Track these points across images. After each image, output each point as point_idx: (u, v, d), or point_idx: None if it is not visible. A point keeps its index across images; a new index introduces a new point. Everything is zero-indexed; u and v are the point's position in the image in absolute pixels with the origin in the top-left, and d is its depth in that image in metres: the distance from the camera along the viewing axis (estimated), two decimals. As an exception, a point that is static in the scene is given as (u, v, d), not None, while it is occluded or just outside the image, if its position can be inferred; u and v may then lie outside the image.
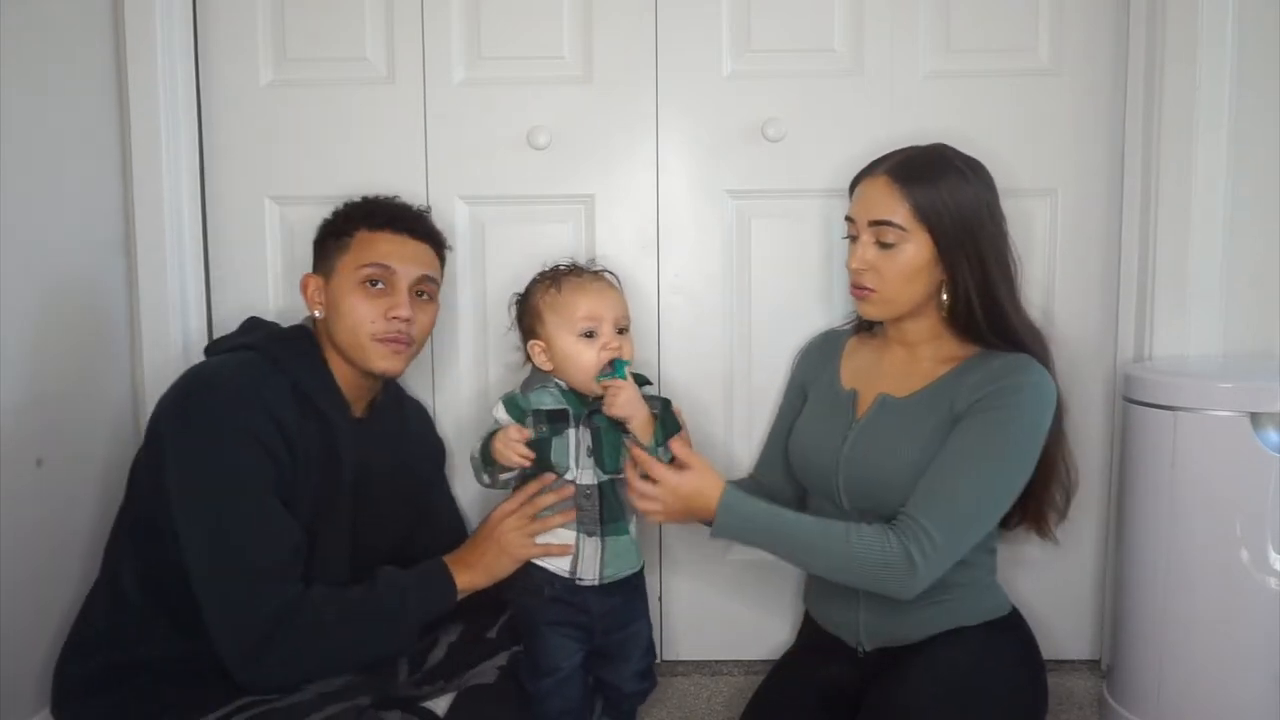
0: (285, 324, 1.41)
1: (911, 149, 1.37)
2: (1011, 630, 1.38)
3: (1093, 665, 1.73)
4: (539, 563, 1.35)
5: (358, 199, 1.41)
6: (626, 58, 1.65)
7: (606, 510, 1.33)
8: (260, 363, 1.28)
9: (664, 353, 1.70)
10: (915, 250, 1.31)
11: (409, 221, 1.38)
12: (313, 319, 1.38)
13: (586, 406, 1.33)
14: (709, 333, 1.70)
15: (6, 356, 1.35)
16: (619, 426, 1.32)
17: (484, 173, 1.67)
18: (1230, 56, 1.54)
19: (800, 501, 1.53)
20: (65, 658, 1.28)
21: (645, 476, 1.28)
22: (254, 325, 1.40)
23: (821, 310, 1.66)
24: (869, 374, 1.43)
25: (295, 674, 1.21)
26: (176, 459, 1.20)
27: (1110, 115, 1.64)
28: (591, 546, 1.33)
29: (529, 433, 1.31)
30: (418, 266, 1.36)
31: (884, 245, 1.32)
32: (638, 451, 1.29)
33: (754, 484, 1.57)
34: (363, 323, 1.32)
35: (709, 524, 1.29)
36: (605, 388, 1.30)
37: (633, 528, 1.38)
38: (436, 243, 1.42)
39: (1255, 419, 1.34)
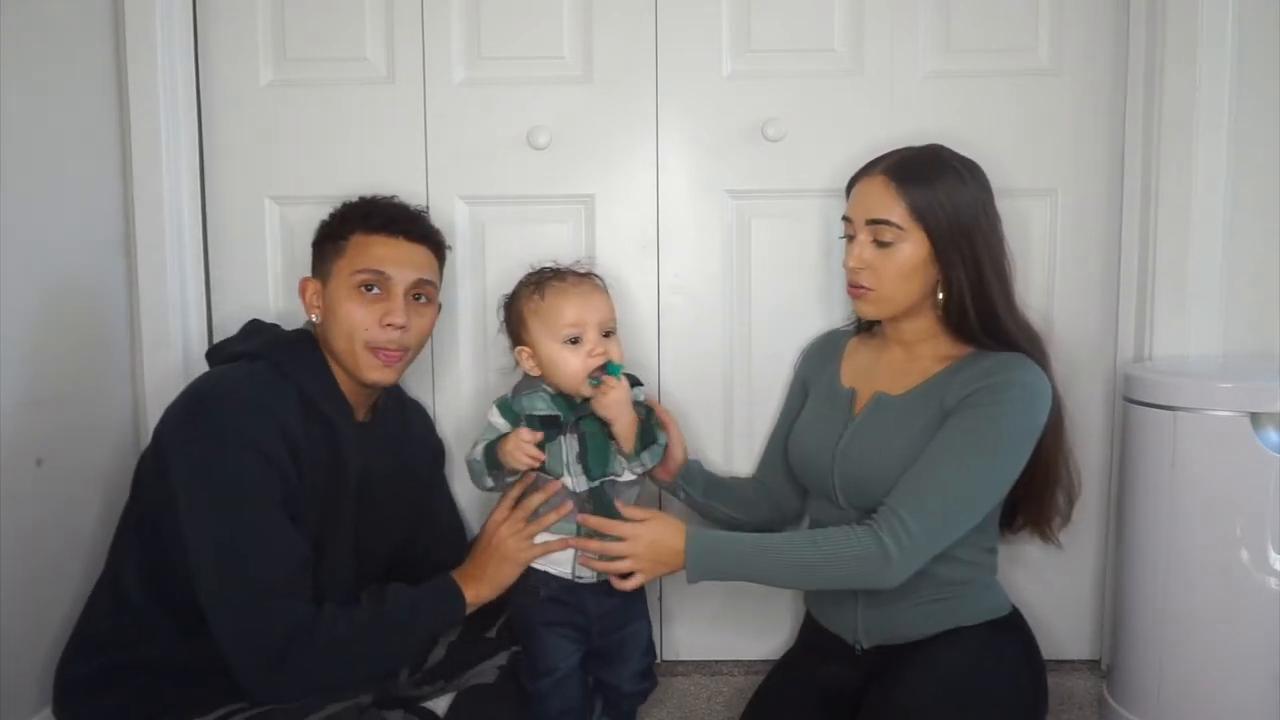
0: (287, 326, 1.40)
1: (908, 149, 1.38)
2: (1012, 630, 1.38)
3: (1093, 665, 1.73)
4: (538, 564, 1.35)
5: (355, 199, 1.40)
6: (626, 58, 1.65)
7: (601, 513, 1.33)
8: (266, 371, 1.27)
9: (664, 353, 1.70)
10: (912, 249, 1.32)
11: (405, 224, 1.36)
12: (314, 326, 1.37)
13: (575, 412, 1.32)
14: (709, 333, 1.70)
15: (6, 357, 1.35)
16: (604, 431, 1.32)
17: (484, 173, 1.67)
18: (1230, 56, 1.54)
19: (802, 505, 1.54)
20: (67, 657, 1.28)
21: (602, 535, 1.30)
22: (256, 329, 1.39)
23: (821, 310, 1.66)
24: (867, 373, 1.44)
25: (308, 689, 1.20)
26: (183, 472, 1.20)
27: (1110, 115, 1.64)
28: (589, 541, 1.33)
29: (540, 434, 1.30)
30: (414, 270, 1.34)
31: (881, 244, 1.32)
32: (592, 519, 1.31)
33: (758, 485, 1.57)
34: (357, 329, 1.30)
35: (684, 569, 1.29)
36: (600, 385, 1.30)
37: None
38: (434, 244, 1.40)
39: (1255, 419, 1.34)
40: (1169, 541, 1.40)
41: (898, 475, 1.29)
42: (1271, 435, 1.34)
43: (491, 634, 1.43)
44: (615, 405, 1.30)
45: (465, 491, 1.65)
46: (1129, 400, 1.48)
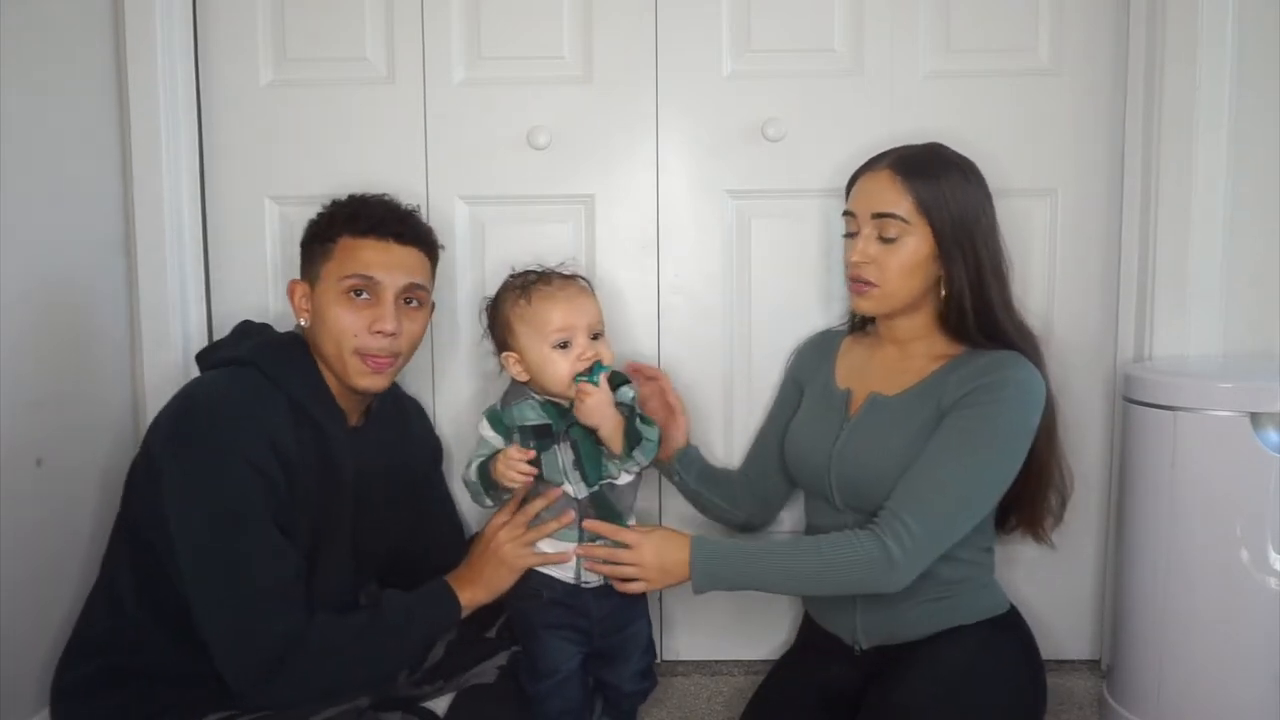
0: (282, 327, 1.39)
1: (909, 146, 1.38)
2: (1010, 629, 1.38)
3: (1093, 665, 1.73)
4: (540, 569, 1.34)
5: (343, 198, 1.36)
6: (626, 58, 1.65)
7: (604, 516, 1.33)
8: (256, 379, 1.25)
9: (664, 353, 1.70)
10: (916, 244, 1.32)
11: (394, 225, 1.32)
12: (301, 327, 1.34)
13: (566, 420, 1.31)
14: (709, 333, 1.70)
15: (6, 357, 1.35)
16: (592, 436, 1.31)
17: (484, 173, 1.67)
18: (1230, 56, 1.54)
19: (784, 500, 1.56)
20: (64, 661, 1.28)
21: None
22: (246, 332, 1.36)
23: (821, 310, 1.66)
24: (862, 373, 1.44)
25: (302, 698, 1.20)
26: (173, 484, 1.18)
27: (1110, 115, 1.64)
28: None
29: (531, 452, 1.30)
30: (404, 274, 1.31)
31: (885, 239, 1.32)
32: (598, 525, 1.31)
33: (743, 479, 1.57)
34: (346, 335, 1.28)
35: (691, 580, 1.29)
36: (577, 392, 1.29)
37: (630, 522, 1.37)
38: (426, 245, 1.36)
39: (1255, 419, 1.34)
40: (1169, 541, 1.40)
41: (895, 476, 1.29)
42: (1271, 435, 1.34)
43: (491, 634, 1.43)
44: (595, 410, 1.28)
45: (465, 496, 1.65)
46: (1129, 400, 1.48)
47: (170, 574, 1.19)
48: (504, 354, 1.36)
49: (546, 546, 1.34)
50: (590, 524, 1.32)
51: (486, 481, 1.33)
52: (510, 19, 1.65)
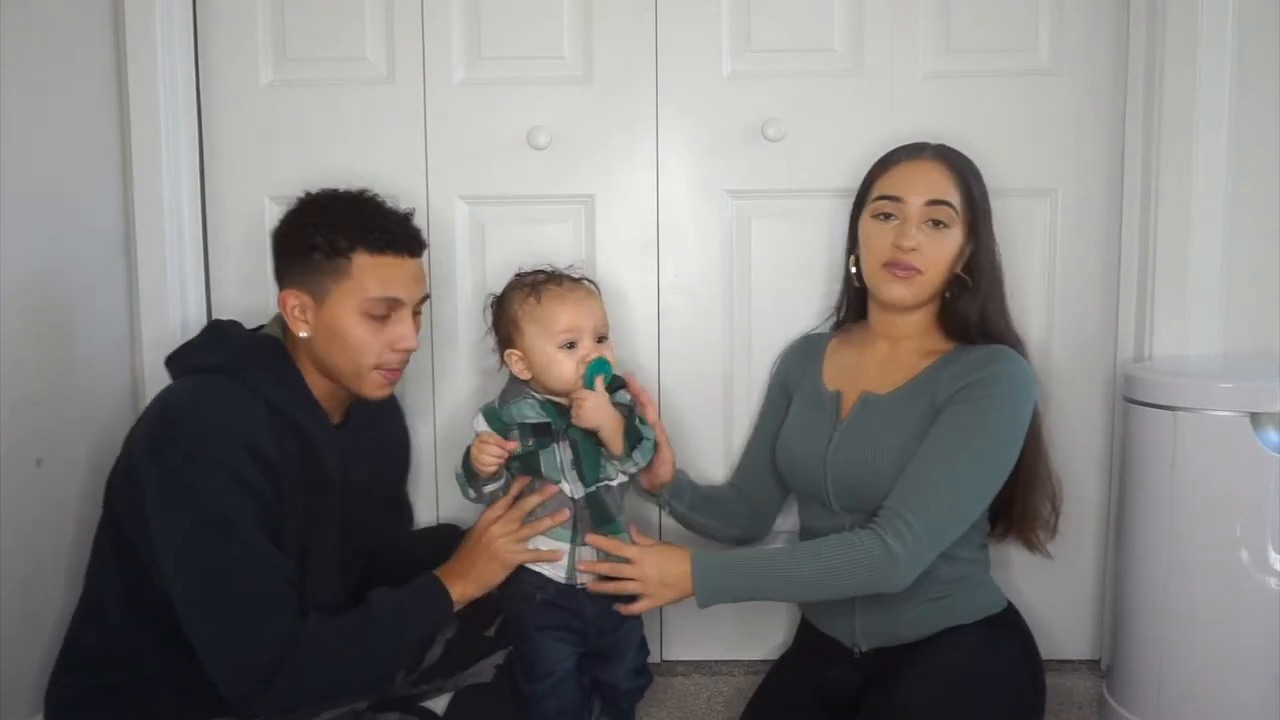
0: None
1: (925, 143, 1.41)
2: (1008, 628, 1.38)
3: (1093, 665, 1.73)
4: (533, 567, 1.34)
5: (322, 196, 1.29)
6: (626, 58, 1.65)
7: (598, 516, 1.33)
8: (233, 387, 1.22)
9: (664, 353, 1.70)
10: (957, 236, 1.34)
11: (408, 239, 1.29)
12: (281, 327, 1.31)
13: (565, 419, 1.32)
14: (709, 332, 1.69)
15: (6, 356, 1.35)
16: (593, 438, 1.31)
17: (484, 173, 1.67)
18: (1230, 56, 1.54)
19: (779, 510, 1.55)
20: (55, 677, 1.27)
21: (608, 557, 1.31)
22: (218, 334, 1.32)
23: (821, 310, 1.66)
24: (851, 373, 1.44)
25: (296, 707, 1.20)
26: (155, 499, 1.16)
27: (1110, 115, 1.64)
28: (588, 553, 1.33)
29: (509, 443, 1.30)
30: (419, 288, 1.30)
31: (937, 224, 1.33)
32: (601, 540, 1.31)
33: (736, 492, 1.57)
34: (367, 353, 1.26)
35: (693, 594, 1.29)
36: (574, 399, 1.29)
37: (623, 526, 1.37)
38: (423, 248, 1.34)
39: (1255, 419, 1.34)
40: (1169, 541, 1.40)
41: (891, 475, 1.29)
42: (1271, 435, 1.34)
43: (490, 633, 1.43)
44: (594, 413, 1.29)
45: (455, 492, 1.64)
46: (1129, 400, 1.48)
47: (156, 582, 1.18)
48: (507, 351, 1.36)
49: (540, 544, 1.34)
50: (593, 539, 1.31)
51: (468, 470, 1.33)
52: (510, 19, 1.65)
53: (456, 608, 1.30)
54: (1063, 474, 1.63)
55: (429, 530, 1.63)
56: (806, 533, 1.47)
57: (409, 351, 1.29)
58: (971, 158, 1.40)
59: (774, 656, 1.61)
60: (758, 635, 1.73)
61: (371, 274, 1.25)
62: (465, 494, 1.38)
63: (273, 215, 1.68)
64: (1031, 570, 1.68)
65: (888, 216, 1.36)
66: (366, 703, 1.29)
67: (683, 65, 1.65)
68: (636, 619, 1.39)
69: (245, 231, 1.69)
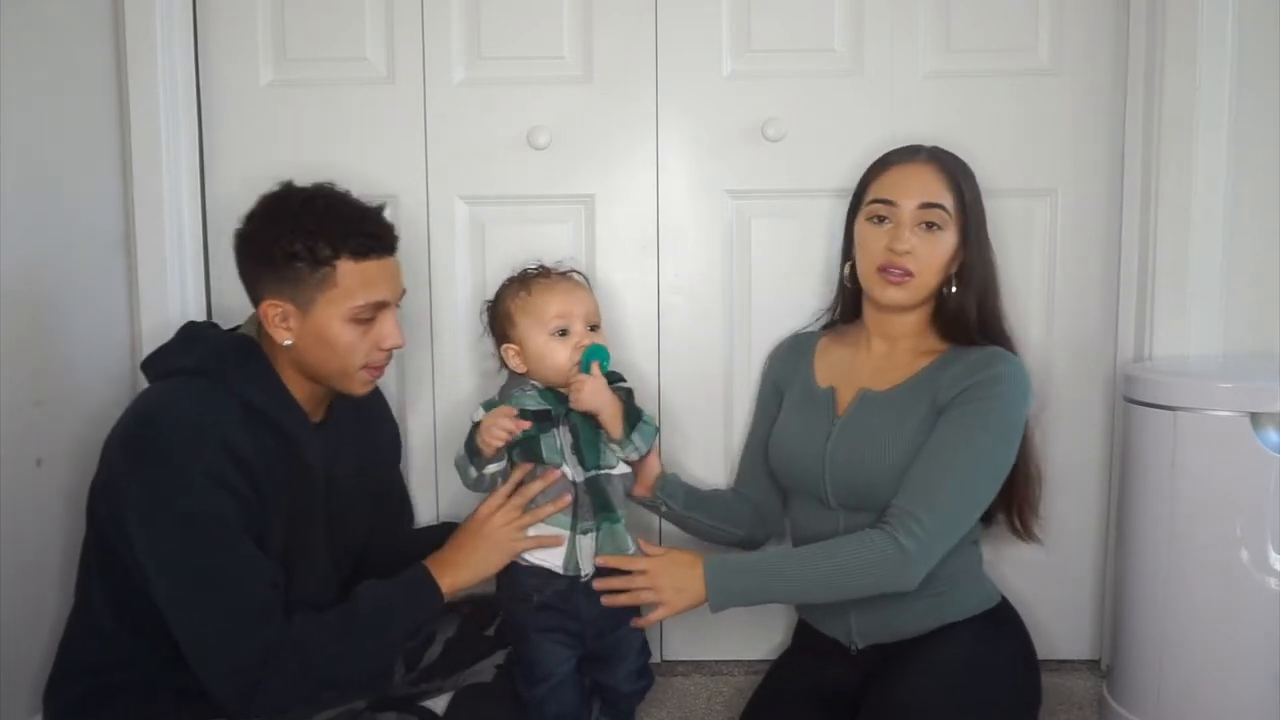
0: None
1: (918, 146, 1.41)
2: (1005, 623, 1.39)
3: (1092, 665, 1.73)
4: (532, 560, 1.33)
5: (299, 205, 1.23)
6: (626, 58, 1.65)
7: (599, 505, 1.33)
8: (208, 389, 1.20)
9: (664, 353, 1.70)
10: (950, 238, 1.35)
11: (387, 239, 1.27)
12: (257, 327, 1.28)
13: (564, 405, 1.33)
14: (708, 332, 1.70)
15: (6, 357, 1.35)
16: (592, 422, 1.32)
17: (484, 173, 1.67)
18: (1230, 56, 1.54)
19: (784, 512, 1.54)
20: (54, 680, 1.26)
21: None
22: (193, 336, 1.31)
23: (820, 310, 1.66)
24: (845, 371, 1.44)
25: (289, 707, 1.19)
26: (134, 506, 1.15)
27: (1110, 115, 1.64)
28: (588, 541, 1.33)
29: (521, 421, 1.30)
30: (399, 283, 1.30)
31: (930, 227, 1.34)
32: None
33: (739, 496, 1.56)
34: (355, 355, 1.25)
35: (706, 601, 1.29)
36: (572, 383, 1.31)
37: (623, 518, 1.37)
38: (398, 241, 1.31)
39: (1255, 419, 1.34)
40: (1169, 541, 1.40)
41: (890, 472, 1.30)
42: (1271, 435, 1.34)
43: (490, 632, 1.43)
44: (594, 396, 1.30)
45: (461, 491, 1.65)
46: (1129, 400, 1.48)
47: (142, 586, 1.17)
48: (504, 346, 1.38)
49: (541, 531, 1.33)
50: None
51: (471, 449, 1.33)
52: (510, 19, 1.65)
53: (447, 598, 1.28)
54: (1063, 474, 1.65)
55: (430, 529, 1.63)
56: (799, 530, 1.47)
57: (395, 348, 1.29)
58: (971, 158, 1.41)
59: (774, 656, 1.61)
60: (758, 635, 1.73)
61: (357, 281, 1.23)
62: (465, 477, 1.37)
63: (273, 215, 1.69)
64: (1031, 570, 1.69)
65: (882, 220, 1.37)
66: (365, 702, 1.28)
67: (683, 65, 1.65)
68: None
69: (245, 231, 1.69)
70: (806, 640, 1.49)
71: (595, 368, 1.31)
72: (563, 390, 1.34)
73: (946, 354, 1.37)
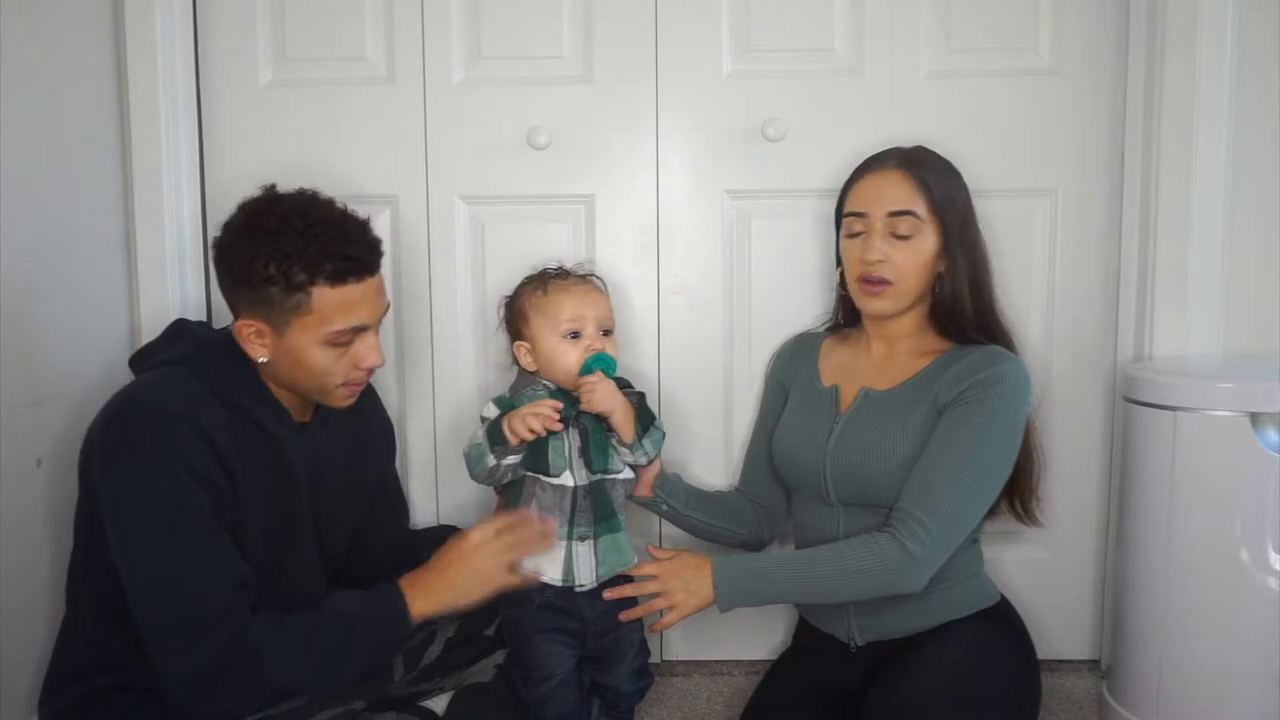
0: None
1: (902, 147, 1.41)
2: (1004, 621, 1.39)
3: (1093, 665, 1.73)
4: (530, 568, 1.33)
5: (277, 225, 1.17)
6: (626, 58, 1.65)
7: (599, 510, 1.33)
8: (188, 381, 1.18)
9: (664, 353, 1.70)
10: (927, 242, 1.35)
11: (368, 260, 1.21)
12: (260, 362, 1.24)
13: (575, 407, 1.33)
14: (708, 333, 1.70)
15: (6, 356, 1.35)
16: (603, 424, 1.33)
17: (484, 173, 1.67)
18: (1230, 56, 1.54)
19: (788, 512, 1.54)
20: (48, 686, 1.26)
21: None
22: (180, 331, 1.30)
23: (820, 310, 1.66)
24: (848, 370, 1.45)
25: (243, 711, 1.16)
26: (107, 494, 1.13)
27: (1110, 115, 1.64)
28: (586, 549, 1.33)
29: (561, 404, 1.29)
30: (381, 302, 1.25)
31: (900, 237, 1.34)
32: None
33: (742, 497, 1.57)
34: (331, 376, 1.22)
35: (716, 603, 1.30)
36: (581, 384, 1.31)
37: (623, 524, 1.37)
38: (382, 258, 1.25)
39: (1255, 419, 1.34)
40: (1169, 541, 1.40)
41: (892, 469, 1.30)
42: (1271, 435, 1.34)
43: (489, 632, 1.43)
44: (605, 398, 1.31)
45: (462, 490, 1.65)
46: (1129, 400, 1.48)
47: (123, 591, 1.15)
48: (516, 343, 1.39)
49: (528, 565, 1.32)
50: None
51: (495, 437, 1.30)
52: (510, 19, 1.65)
53: (417, 621, 1.23)
54: (1063, 473, 1.65)
55: (430, 530, 1.63)
56: (801, 528, 1.47)
57: (375, 368, 1.26)
58: (972, 158, 1.41)
59: (774, 656, 1.61)
60: (758, 635, 1.73)
61: (334, 306, 1.18)
62: (479, 467, 1.33)
63: (273, 215, 1.68)
64: (1031, 570, 1.69)
65: (857, 233, 1.38)
66: (365, 703, 1.28)
67: (683, 65, 1.65)
68: (637, 620, 1.40)
69: (245, 231, 1.68)
70: (806, 639, 1.50)
71: (599, 375, 1.32)
72: (573, 392, 1.34)
73: (947, 353, 1.37)
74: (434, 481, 1.72)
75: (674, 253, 1.69)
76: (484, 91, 1.66)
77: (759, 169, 1.66)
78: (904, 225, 1.34)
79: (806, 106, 1.65)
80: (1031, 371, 1.37)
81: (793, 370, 1.53)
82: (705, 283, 1.69)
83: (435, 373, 1.70)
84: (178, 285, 1.64)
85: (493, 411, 1.35)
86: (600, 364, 1.33)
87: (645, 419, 1.36)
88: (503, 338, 1.46)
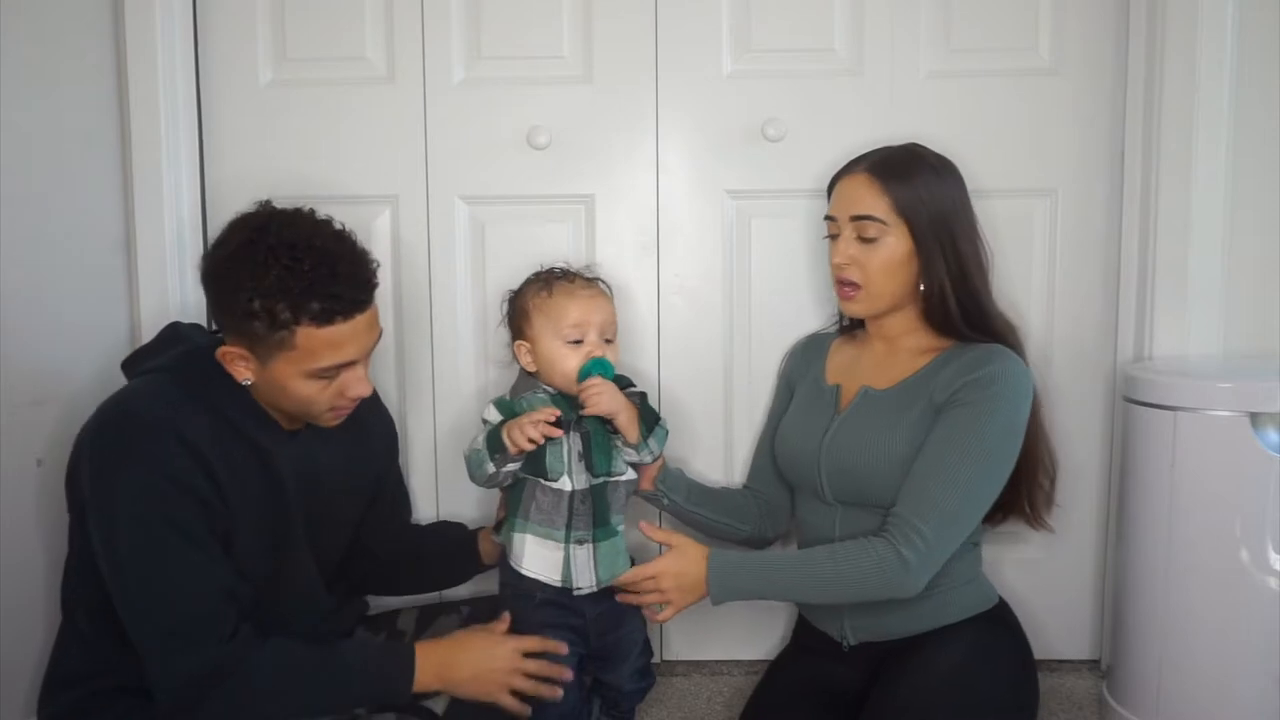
0: None
1: (886, 148, 1.41)
2: (1003, 624, 1.39)
3: (1092, 665, 1.73)
4: (529, 573, 1.33)
5: (264, 257, 1.12)
6: (626, 58, 1.65)
7: (598, 515, 1.33)
8: (176, 389, 1.18)
9: (664, 353, 1.70)
10: (895, 244, 1.35)
11: (358, 298, 1.17)
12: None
13: (577, 410, 1.33)
14: (708, 333, 1.69)
15: (6, 356, 1.35)
16: (607, 427, 1.32)
17: (484, 173, 1.67)
18: (1230, 56, 1.54)
19: (790, 509, 1.54)
20: (46, 688, 1.26)
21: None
22: (173, 336, 1.30)
23: (820, 310, 1.66)
24: (852, 369, 1.46)
25: None
26: (94, 501, 1.13)
27: (1110, 115, 1.64)
28: (584, 553, 1.33)
29: (557, 412, 1.29)
30: (372, 335, 1.21)
31: (865, 240, 1.35)
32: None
33: (749, 493, 1.57)
34: (316, 405, 1.21)
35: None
36: (582, 389, 1.30)
37: (621, 529, 1.37)
38: (375, 289, 1.22)
39: (1255, 419, 1.34)
40: (1169, 541, 1.40)
41: (886, 468, 1.30)
42: (1271, 435, 1.34)
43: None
44: (608, 400, 1.31)
45: (463, 490, 1.64)
46: (1129, 400, 1.48)
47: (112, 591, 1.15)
48: (516, 342, 1.38)
49: (535, 546, 1.33)
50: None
51: (495, 445, 1.30)
52: (510, 19, 1.65)
53: (417, 689, 1.23)
54: (1063, 473, 1.63)
55: (431, 526, 1.63)
56: (801, 526, 1.48)
57: (361, 398, 1.24)
58: (972, 158, 1.41)
59: (773, 656, 1.61)
60: (757, 635, 1.73)
61: (320, 345, 1.15)
62: (479, 472, 1.33)
63: (273, 215, 1.68)
64: (1032, 570, 1.69)
65: (833, 237, 1.40)
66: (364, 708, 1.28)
67: (683, 65, 1.65)
68: (638, 619, 1.40)
69: (245, 231, 1.68)
70: (805, 639, 1.50)
71: (598, 378, 1.32)
72: (574, 397, 1.33)
73: (947, 351, 1.37)
74: (434, 481, 1.72)
75: (674, 253, 1.69)
76: (484, 91, 1.66)
77: (759, 169, 1.66)
78: (870, 229, 1.34)
79: (806, 106, 1.65)
80: (1031, 371, 1.36)
81: (802, 369, 1.54)
82: (705, 283, 1.69)
83: (435, 373, 1.70)
84: (177, 285, 1.64)
85: (493, 414, 1.34)
86: (598, 369, 1.32)
87: (649, 418, 1.36)
88: (504, 333, 1.46)
